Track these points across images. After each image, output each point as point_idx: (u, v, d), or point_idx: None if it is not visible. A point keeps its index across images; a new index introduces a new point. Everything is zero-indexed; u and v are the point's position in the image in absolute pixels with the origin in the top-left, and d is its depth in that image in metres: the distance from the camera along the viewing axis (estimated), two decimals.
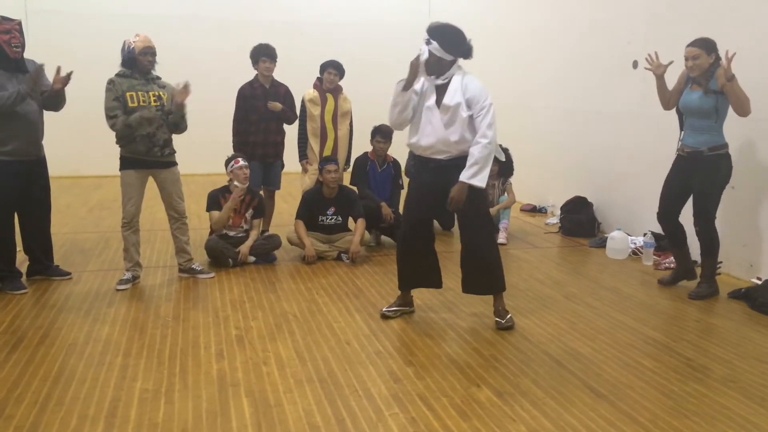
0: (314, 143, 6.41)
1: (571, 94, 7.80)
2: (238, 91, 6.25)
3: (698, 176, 4.74)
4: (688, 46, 4.65)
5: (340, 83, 6.52)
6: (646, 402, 3.23)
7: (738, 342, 4.02)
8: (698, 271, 5.05)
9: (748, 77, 5.04)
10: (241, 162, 5.61)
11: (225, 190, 5.71)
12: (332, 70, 6.39)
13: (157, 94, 4.88)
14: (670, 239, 5.16)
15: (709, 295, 4.83)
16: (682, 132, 4.89)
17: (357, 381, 3.43)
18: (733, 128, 4.79)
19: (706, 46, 4.60)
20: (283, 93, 6.29)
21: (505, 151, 7.04)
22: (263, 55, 6.11)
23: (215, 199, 5.67)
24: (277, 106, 6.08)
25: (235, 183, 5.56)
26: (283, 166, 6.46)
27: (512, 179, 7.09)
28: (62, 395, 3.22)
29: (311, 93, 6.44)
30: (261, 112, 6.10)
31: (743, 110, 4.53)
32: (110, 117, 4.79)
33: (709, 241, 4.83)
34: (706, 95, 4.60)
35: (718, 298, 4.88)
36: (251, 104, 6.11)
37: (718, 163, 4.68)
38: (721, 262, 5.06)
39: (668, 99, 4.96)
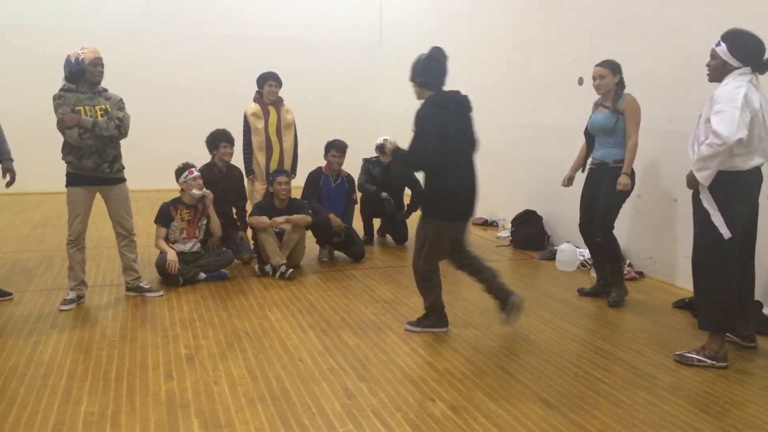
0: (260, 157, 6.36)
1: (520, 109, 7.94)
2: None
3: (604, 186, 4.97)
4: (596, 66, 4.98)
5: (282, 95, 6.51)
6: (597, 412, 3.28)
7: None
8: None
9: (672, 94, 5.30)
10: (195, 172, 5.57)
11: (177, 202, 5.62)
12: (272, 82, 6.37)
13: (104, 107, 4.77)
14: (590, 250, 5.39)
15: (623, 298, 5.05)
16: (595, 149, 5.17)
17: (310, 398, 3.39)
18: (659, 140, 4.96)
19: (612, 67, 4.91)
20: (236, 176, 6.29)
21: None
22: (225, 141, 6.09)
23: (166, 212, 5.57)
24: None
25: (192, 192, 5.51)
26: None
27: None
28: (2, 420, 3.09)
29: (253, 107, 6.39)
30: (218, 196, 5.88)
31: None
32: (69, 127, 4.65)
33: (609, 249, 5.06)
34: (611, 114, 4.90)
35: (663, 308, 5.03)
36: (209, 189, 5.85)
37: (619, 174, 4.89)
38: (626, 262, 5.30)
39: (584, 145, 5.34)
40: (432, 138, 4.00)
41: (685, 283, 5.47)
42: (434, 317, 4.44)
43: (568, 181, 5.45)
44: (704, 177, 3.74)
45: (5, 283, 5.25)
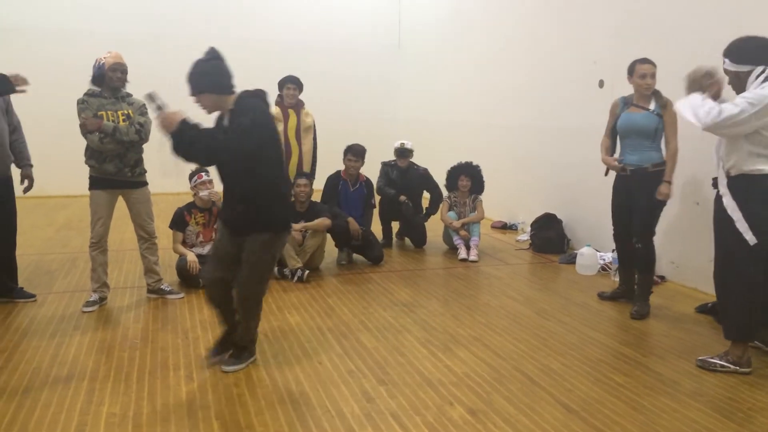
0: None
1: (539, 112, 7.91)
2: None
3: (642, 193, 4.78)
4: (646, 63, 4.76)
5: (302, 98, 6.55)
6: (618, 417, 3.25)
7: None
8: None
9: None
10: (205, 177, 5.61)
11: (191, 206, 5.68)
12: (291, 85, 6.43)
13: (126, 112, 4.83)
14: (623, 258, 5.17)
15: (648, 314, 4.86)
16: (617, 154, 4.98)
17: (329, 401, 3.40)
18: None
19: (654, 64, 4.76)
20: None
21: (476, 167, 7.12)
22: None
23: (180, 217, 5.63)
24: None
25: (201, 194, 5.56)
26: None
27: (482, 196, 7.15)
28: (26, 420, 3.14)
29: (273, 110, 6.44)
30: None
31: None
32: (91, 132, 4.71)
33: (649, 257, 4.87)
34: (653, 115, 4.74)
35: (686, 313, 4.99)
36: None
37: (660, 179, 4.74)
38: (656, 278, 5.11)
39: (609, 144, 5.10)
40: (267, 132, 3.51)
41: (707, 288, 5.39)
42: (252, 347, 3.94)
43: (615, 162, 4.96)
44: (684, 100, 3.84)
45: (29, 285, 5.33)
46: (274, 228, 3.64)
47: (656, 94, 4.78)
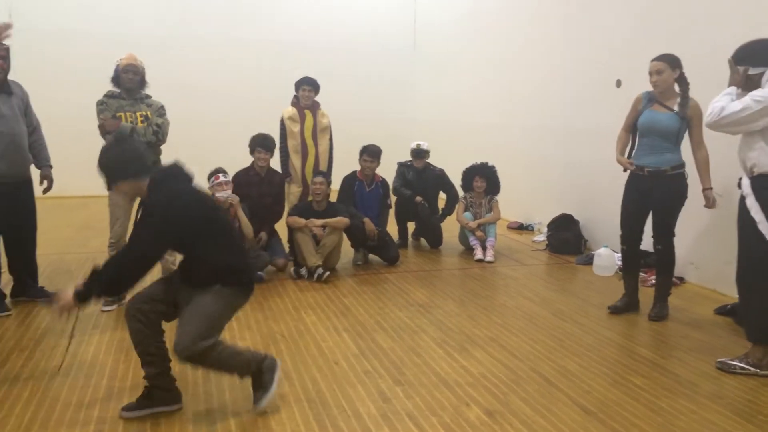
0: (296, 160, 6.43)
1: (556, 112, 7.87)
2: (233, 178, 6.06)
3: (660, 194, 4.67)
4: (653, 60, 4.60)
5: (318, 99, 6.57)
6: (636, 419, 3.23)
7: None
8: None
9: (712, 95, 5.16)
10: (222, 178, 5.66)
11: None
12: (306, 86, 6.45)
13: (144, 113, 4.89)
14: (628, 264, 5.02)
15: (667, 316, 4.81)
16: (634, 152, 4.82)
17: (345, 401, 3.41)
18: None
19: (670, 60, 4.55)
20: (277, 182, 6.20)
21: (491, 168, 7.10)
22: (258, 145, 6.04)
23: None
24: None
25: (217, 195, 5.60)
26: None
27: (499, 197, 7.13)
28: (46, 418, 3.17)
29: (290, 110, 6.48)
30: (254, 199, 5.96)
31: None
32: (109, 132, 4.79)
33: (669, 258, 4.79)
34: (677, 117, 4.56)
35: (705, 314, 4.95)
36: (245, 192, 5.92)
37: (679, 181, 4.66)
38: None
39: (627, 139, 4.92)
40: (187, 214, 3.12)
41: (727, 289, 5.35)
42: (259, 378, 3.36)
43: (629, 164, 4.80)
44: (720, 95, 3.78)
45: (50, 284, 5.38)
46: (230, 281, 3.22)
47: (682, 94, 4.60)
